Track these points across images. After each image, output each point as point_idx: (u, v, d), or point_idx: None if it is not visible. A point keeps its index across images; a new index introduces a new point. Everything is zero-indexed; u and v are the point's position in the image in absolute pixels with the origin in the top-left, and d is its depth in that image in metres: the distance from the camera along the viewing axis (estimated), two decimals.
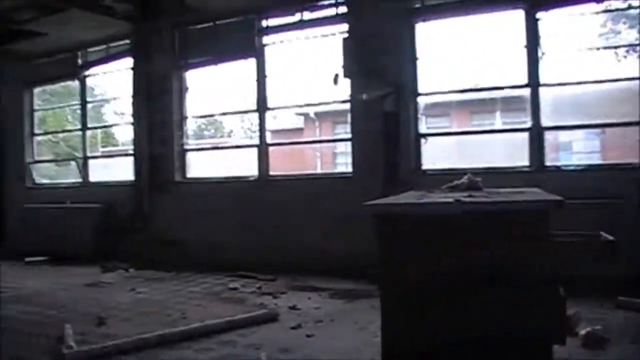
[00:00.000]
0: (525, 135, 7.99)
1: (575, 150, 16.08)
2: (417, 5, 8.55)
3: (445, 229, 3.47)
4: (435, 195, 4.35)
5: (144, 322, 6.31)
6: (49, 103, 15.53)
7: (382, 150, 8.49)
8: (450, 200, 3.64)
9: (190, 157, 10.90)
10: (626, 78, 7.54)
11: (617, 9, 8.02)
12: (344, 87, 8.85)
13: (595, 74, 7.93)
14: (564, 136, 14.59)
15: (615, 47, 9.80)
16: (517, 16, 7.94)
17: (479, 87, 10.22)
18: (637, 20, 7.73)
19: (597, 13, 8.07)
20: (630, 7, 7.78)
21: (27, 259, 10.94)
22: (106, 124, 16.89)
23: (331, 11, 9.19)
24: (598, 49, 8.43)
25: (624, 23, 10.53)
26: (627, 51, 8.67)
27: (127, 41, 11.08)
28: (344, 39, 8.68)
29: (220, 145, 13.61)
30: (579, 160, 14.49)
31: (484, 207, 3.52)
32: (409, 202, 3.94)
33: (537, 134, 7.86)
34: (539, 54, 7.80)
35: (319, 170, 17.89)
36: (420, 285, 3.51)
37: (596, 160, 16.01)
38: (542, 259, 3.32)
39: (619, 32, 11.19)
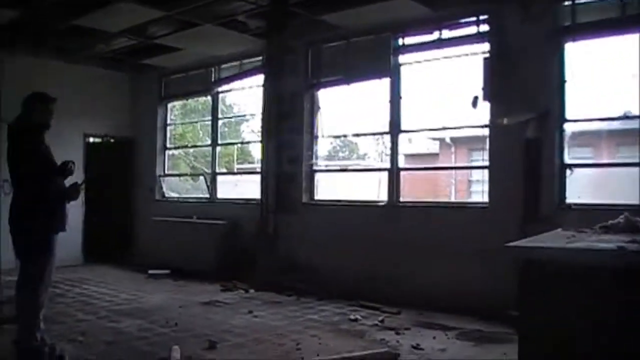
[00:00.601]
0: None
1: None
2: (567, 23, 7.80)
3: (604, 281, 2.83)
4: (588, 238, 3.70)
5: (255, 350, 6.09)
6: (188, 118, 15.82)
7: (522, 181, 7.78)
8: (612, 246, 2.99)
9: (319, 178, 10.60)
10: None
11: None
12: (483, 111, 8.25)
13: None
14: None
15: None
16: None
17: (633, 115, 9.24)
18: None
19: None
20: None
21: (150, 271, 11.05)
22: (241, 140, 17.03)
23: (472, 29, 8.61)
24: None
25: None
26: None
27: (260, 58, 10.97)
28: (485, 59, 8.12)
29: (349, 168, 13.21)
30: None
31: None
32: (559, 246, 3.30)
33: None
34: None
35: (452, 199, 17.13)
36: (566, 346, 2.91)
37: None
38: None
39: None
